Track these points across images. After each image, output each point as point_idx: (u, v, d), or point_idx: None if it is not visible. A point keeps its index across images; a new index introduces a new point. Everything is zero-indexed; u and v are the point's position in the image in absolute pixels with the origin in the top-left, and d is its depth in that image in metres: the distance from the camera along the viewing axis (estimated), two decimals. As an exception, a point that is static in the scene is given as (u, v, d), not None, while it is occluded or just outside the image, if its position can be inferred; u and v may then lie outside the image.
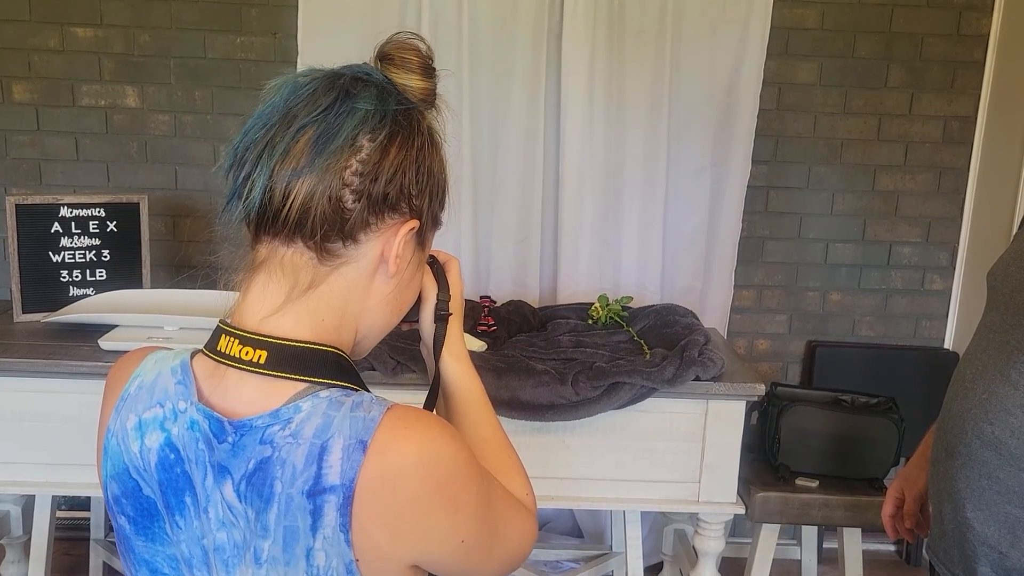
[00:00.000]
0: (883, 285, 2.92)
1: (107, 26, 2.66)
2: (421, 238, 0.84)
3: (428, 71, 0.81)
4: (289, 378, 0.76)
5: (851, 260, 2.90)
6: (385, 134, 0.76)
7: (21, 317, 2.21)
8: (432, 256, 0.95)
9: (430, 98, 0.82)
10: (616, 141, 2.69)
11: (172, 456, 0.78)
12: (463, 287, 0.98)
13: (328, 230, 0.76)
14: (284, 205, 0.75)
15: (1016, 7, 2.66)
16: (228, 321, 0.80)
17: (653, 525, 2.84)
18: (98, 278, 2.30)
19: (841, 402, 2.31)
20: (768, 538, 2.27)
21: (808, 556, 2.61)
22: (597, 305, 2.41)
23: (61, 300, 2.24)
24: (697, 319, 2.38)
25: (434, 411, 0.95)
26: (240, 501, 0.75)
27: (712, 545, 2.19)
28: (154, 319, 2.10)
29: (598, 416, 2.04)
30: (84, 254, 2.28)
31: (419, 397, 2.09)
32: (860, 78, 2.77)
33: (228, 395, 0.77)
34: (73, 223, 2.26)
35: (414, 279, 0.87)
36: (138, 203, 2.35)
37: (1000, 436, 1.26)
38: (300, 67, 2.62)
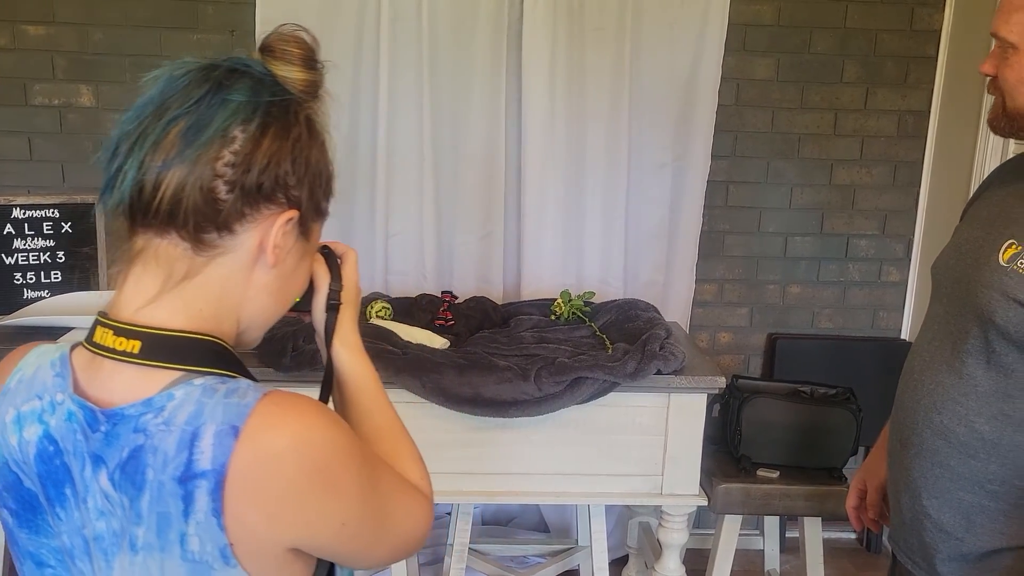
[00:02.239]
0: (841, 277, 2.96)
1: (59, 23, 2.61)
2: (304, 228, 0.84)
3: (310, 63, 0.82)
4: (163, 367, 0.76)
5: (810, 253, 2.94)
6: (257, 125, 0.77)
7: (-26, 321, 2.17)
8: (327, 247, 0.96)
9: (312, 89, 0.82)
10: (577, 136, 2.70)
11: (51, 448, 0.78)
12: (358, 279, 0.99)
13: (201, 221, 0.76)
14: (155, 196, 0.75)
15: (966, 2, 2.71)
16: (106, 313, 0.80)
17: (619, 519, 2.86)
18: (53, 280, 2.27)
19: (800, 393, 2.34)
20: (731, 529, 2.29)
21: (771, 546, 2.64)
22: (559, 301, 2.42)
23: (15, 303, 2.21)
24: (659, 313, 2.40)
25: (329, 400, 0.95)
26: (115, 490, 0.75)
27: (676, 537, 2.21)
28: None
29: (561, 411, 2.05)
30: (38, 256, 2.25)
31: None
32: (816, 74, 2.81)
33: (104, 385, 0.78)
34: (26, 224, 2.23)
35: (297, 269, 0.87)
36: (93, 203, 2.31)
37: (949, 425, 1.30)
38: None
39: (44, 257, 2.26)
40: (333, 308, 0.94)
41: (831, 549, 3.03)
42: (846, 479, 2.27)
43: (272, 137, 0.78)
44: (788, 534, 2.94)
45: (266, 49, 0.80)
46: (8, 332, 2.10)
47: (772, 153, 2.86)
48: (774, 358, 2.94)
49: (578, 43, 2.65)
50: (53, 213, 2.26)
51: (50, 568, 0.82)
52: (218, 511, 0.72)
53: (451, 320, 2.31)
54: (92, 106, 2.67)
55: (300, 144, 0.80)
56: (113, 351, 0.77)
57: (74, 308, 2.14)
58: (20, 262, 2.23)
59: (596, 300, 2.54)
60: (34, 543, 0.82)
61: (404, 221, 2.70)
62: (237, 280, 0.81)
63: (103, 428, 0.76)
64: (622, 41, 2.65)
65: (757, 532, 2.75)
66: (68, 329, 2.04)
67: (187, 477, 0.72)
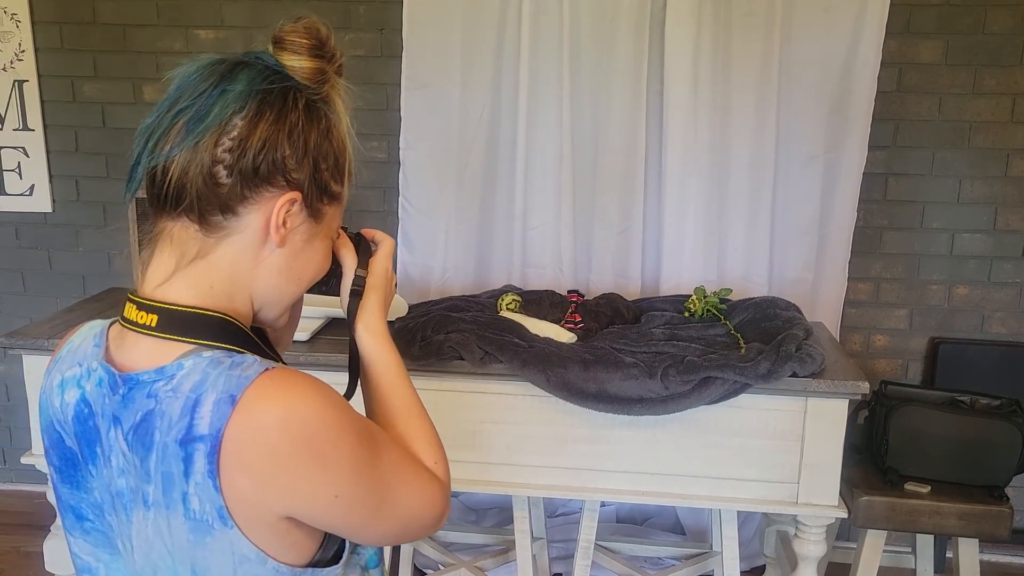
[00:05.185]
0: (1017, 278, 2.71)
1: (227, 27, 2.80)
2: (312, 210, 0.87)
3: (317, 53, 0.85)
4: (177, 340, 0.83)
5: (980, 251, 2.70)
6: (253, 112, 0.82)
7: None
8: (359, 233, 1.01)
9: (319, 77, 0.85)
10: (721, 127, 2.61)
11: (86, 410, 0.85)
12: (390, 266, 1.02)
13: (206, 204, 0.82)
14: (164, 182, 0.82)
15: None
16: (134, 290, 0.88)
17: (759, 526, 2.75)
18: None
19: (958, 403, 2.16)
20: (873, 545, 2.15)
21: (923, 565, 2.46)
22: (694, 297, 2.35)
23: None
24: (799, 313, 2.28)
25: (358, 380, 0.99)
26: (129, 450, 0.82)
27: (812, 549, 2.10)
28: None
29: (689, 411, 1.99)
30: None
31: (508, 387, 2.09)
32: (992, 55, 2.57)
33: (128, 354, 0.85)
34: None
35: (307, 250, 0.90)
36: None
37: None
38: (405, 61, 2.69)
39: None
40: (356, 294, 0.98)
41: (999, 574, 2.79)
42: (1008, 499, 2.08)
43: (267, 123, 0.82)
44: (948, 554, 2.73)
45: (276, 41, 0.85)
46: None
47: (938, 143, 2.65)
48: (936, 364, 2.73)
49: (724, 31, 2.56)
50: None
51: (88, 521, 0.89)
52: (213, 473, 0.78)
53: (580, 323, 2.28)
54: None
55: (297, 129, 0.84)
56: (135, 324, 0.84)
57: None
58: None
59: (738, 297, 2.44)
60: (75, 497, 0.90)
61: (542, 215, 2.70)
62: (246, 259, 0.86)
63: (121, 391, 0.83)
64: (771, 27, 2.53)
65: (909, 550, 2.56)
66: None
67: (187, 440, 0.78)
